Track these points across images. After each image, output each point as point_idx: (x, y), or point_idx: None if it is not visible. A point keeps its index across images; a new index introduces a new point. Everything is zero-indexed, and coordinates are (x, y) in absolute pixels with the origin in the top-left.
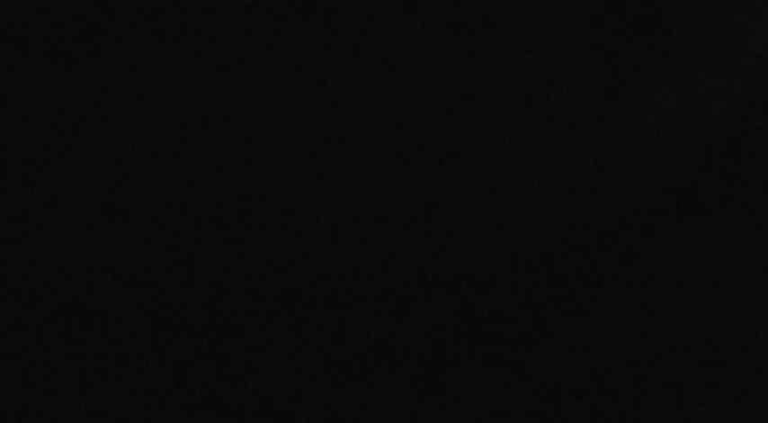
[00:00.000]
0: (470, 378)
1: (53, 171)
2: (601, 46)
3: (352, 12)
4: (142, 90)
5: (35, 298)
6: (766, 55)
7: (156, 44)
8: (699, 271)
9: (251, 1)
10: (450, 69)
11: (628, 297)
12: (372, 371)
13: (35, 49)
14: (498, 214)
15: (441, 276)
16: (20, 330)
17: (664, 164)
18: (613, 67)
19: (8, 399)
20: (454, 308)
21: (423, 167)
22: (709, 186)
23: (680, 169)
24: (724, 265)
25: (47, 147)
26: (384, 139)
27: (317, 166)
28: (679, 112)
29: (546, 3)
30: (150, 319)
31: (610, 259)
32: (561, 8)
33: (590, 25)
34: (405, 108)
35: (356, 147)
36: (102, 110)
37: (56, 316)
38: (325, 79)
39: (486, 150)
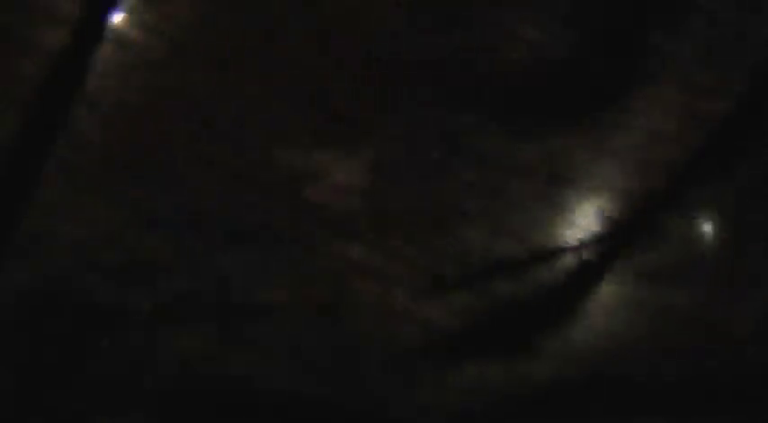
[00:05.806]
0: (470, 376)
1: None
2: (601, 46)
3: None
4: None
5: (35, 298)
6: (766, 54)
7: None
8: (699, 270)
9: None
10: (450, 68)
11: (628, 296)
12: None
13: None
14: (497, 213)
15: (441, 276)
16: (20, 330)
17: (663, 163)
18: (613, 67)
19: (8, 398)
20: (454, 307)
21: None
22: (709, 185)
23: (680, 168)
24: (724, 263)
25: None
26: (383, 139)
27: (317, 164)
28: (679, 111)
29: (546, 3)
30: (150, 319)
31: (610, 259)
32: (561, 8)
33: (590, 25)
34: (403, 106)
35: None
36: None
37: (56, 315)
38: (323, 76)
39: (487, 149)
